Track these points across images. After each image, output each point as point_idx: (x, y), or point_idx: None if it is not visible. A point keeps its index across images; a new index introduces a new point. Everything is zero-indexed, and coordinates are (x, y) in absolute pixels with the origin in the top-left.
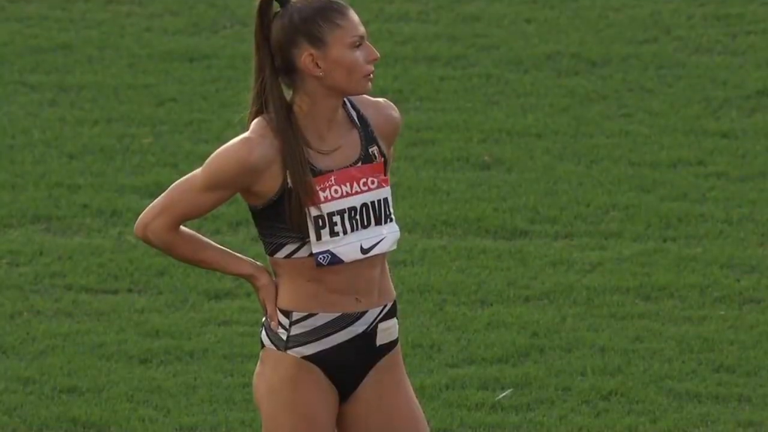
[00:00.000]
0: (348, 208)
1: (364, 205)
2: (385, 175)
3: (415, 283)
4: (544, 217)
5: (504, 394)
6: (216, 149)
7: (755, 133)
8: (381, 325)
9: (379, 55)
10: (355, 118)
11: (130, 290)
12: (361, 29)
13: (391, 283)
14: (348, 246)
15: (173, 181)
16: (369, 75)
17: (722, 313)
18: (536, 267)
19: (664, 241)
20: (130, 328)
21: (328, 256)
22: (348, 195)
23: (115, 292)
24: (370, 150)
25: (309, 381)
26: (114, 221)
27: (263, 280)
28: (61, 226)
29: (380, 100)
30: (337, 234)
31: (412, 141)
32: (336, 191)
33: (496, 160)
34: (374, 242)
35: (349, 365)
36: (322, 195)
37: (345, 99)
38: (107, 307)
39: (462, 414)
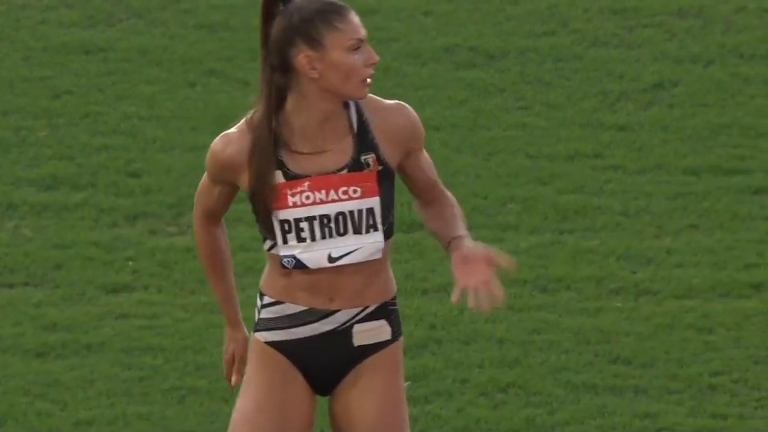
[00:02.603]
0: (320, 216)
1: (341, 213)
2: (380, 179)
3: None
4: None
5: None
6: (113, 142)
7: (651, 126)
8: (358, 327)
9: (378, 58)
10: (355, 123)
11: (26, 284)
12: (361, 32)
13: (389, 285)
14: (315, 253)
15: (70, 174)
16: (366, 79)
17: (618, 305)
18: (434, 260)
19: (561, 233)
20: (27, 321)
21: (292, 261)
22: (322, 202)
23: (11, 285)
24: (362, 158)
25: (269, 367)
26: (10, 214)
27: (227, 335)
28: None
29: (391, 104)
30: (304, 240)
31: None
32: (308, 197)
33: None
34: (345, 252)
35: (319, 362)
36: (290, 200)
37: (351, 102)
38: (3, 301)
39: None
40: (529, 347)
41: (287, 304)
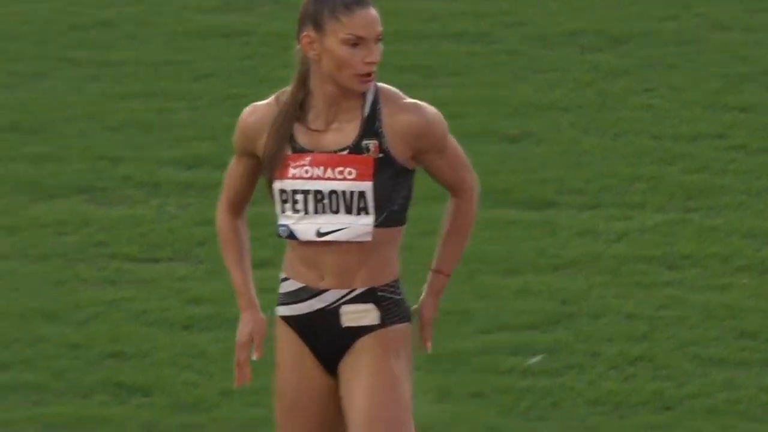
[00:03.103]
0: (314, 191)
1: (334, 192)
2: (377, 167)
3: None
4: (571, 189)
5: (535, 359)
6: None
7: None
8: (345, 308)
9: (377, 59)
10: (367, 109)
11: (171, 259)
12: (363, 30)
13: (383, 271)
14: (306, 225)
15: (212, 154)
16: (361, 75)
17: (745, 281)
18: (564, 237)
19: (687, 211)
20: (172, 295)
21: (286, 230)
22: (318, 178)
23: (157, 261)
24: (364, 143)
25: (283, 339)
26: (155, 192)
27: (244, 317)
28: (104, 197)
29: (407, 102)
30: (298, 212)
31: (441, 114)
32: (306, 171)
33: (524, 133)
34: (333, 229)
35: (318, 340)
36: (291, 171)
37: (372, 90)
38: (149, 276)
39: (494, 379)
40: (657, 322)
41: (291, 280)
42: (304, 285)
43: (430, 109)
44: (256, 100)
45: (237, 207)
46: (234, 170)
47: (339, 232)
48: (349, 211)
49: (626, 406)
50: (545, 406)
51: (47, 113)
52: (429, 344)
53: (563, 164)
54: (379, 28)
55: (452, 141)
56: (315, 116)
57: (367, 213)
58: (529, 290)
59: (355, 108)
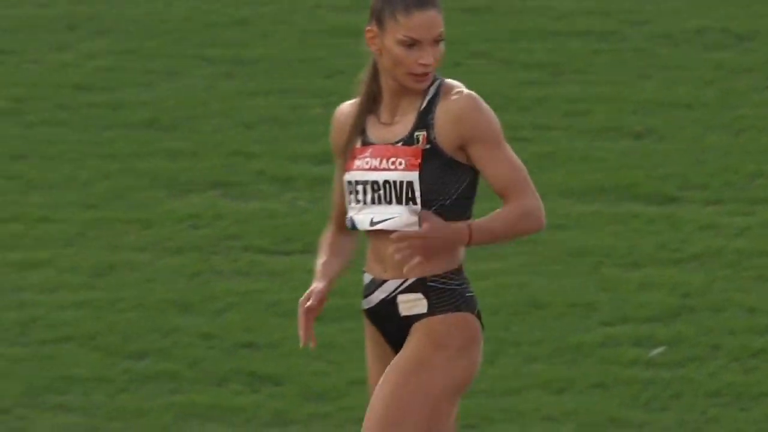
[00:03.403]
0: (371, 182)
1: (387, 182)
2: (424, 158)
3: (571, 246)
4: (693, 184)
5: (657, 351)
6: None
7: None
8: (400, 297)
9: (430, 61)
10: (425, 101)
11: (302, 251)
12: (418, 33)
13: (436, 262)
14: (364, 216)
15: None
16: (415, 75)
17: None
18: (686, 231)
19: None
20: (303, 287)
21: (350, 221)
22: (375, 169)
23: (289, 253)
24: (416, 134)
25: (366, 333)
26: (287, 187)
27: (314, 287)
28: (238, 191)
29: (460, 90)
30: (359, 202)
31: (567, 112)
32: (366, 163)
33: (648, 129)
34: (384, 218)
35: (388, 329)
36: (356, 163)
37: (435, 84)
38: (282, 268)
39: (616, 370)
40: None
41: (366, 274)
42: (372, 278)
43: (481, 101)
44: None
45: (341, 221)
46: (336, 178)
47: (389, 221)
48: (399, 201)
49: (747, 398)
50: (666, 397)
51: (183, 110)
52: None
53: (686, 160)
54: (437, 31)
55: (507, 151)
56: (383, 109)
57: (414, 203)
58: (651, 283)
59: (416, 101)
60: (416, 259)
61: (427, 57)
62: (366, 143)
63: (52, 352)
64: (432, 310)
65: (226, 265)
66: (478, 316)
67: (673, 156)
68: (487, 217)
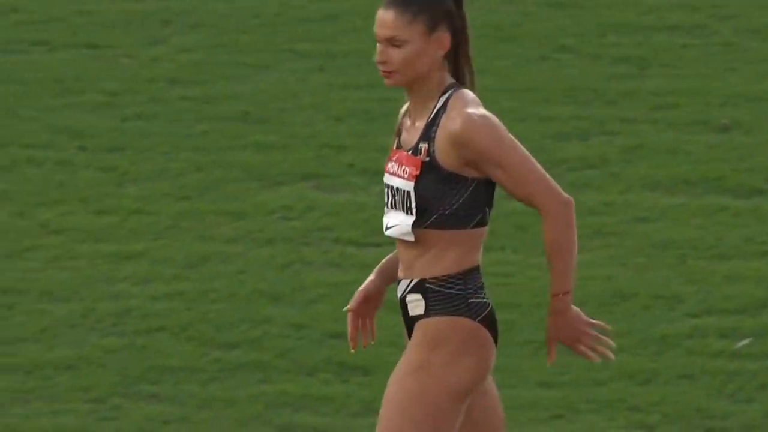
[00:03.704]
0: (391, 186)
1: (399, 189)
2: (422, 171)
3: (657, 238)
4: None
5: (743, 342)
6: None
7: None
8: (408, 297)
9: (379, 59)
10: (433, 112)
11: (391, 243)
12: (376, 30)
13: (436, 265)
14: (385, 219)
15: None
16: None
17: None
18: None
19: None
20: None
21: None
22: (394, 174)
23: (379, 245)
24: (420, 144)
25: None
26: (377, 180)
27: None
28: (328, 183)
29: (461, 110)
30: (386, 205)
31: (654, 105)
32: (391, 167)
33: (735, 123)
34: (392, 224)
35: (407, 326)
36: (387, 165)
37: (446, 94)
38: (372, 259)
39: (703, 361)
40: None
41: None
42: (398, 279)
43: (479, 120)
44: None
45: None
46: None
47: (392, 228)
48: (402, 208)
49: None
50: (752, 388)
51: (274, 103)
52: (550, 361)
53: None
54: (384, 32)
55: (519, 158)
56: (412, 113)
57: (411, 213)
58: (737, 275)
59: (429, 108)
60: (605, 357)
61: (378, 55)
62: (398, 147)
63: (145, 343)
64: (428, 312)
65: (317, 257)
66: (488, 323)
67: (759, 149)
68: (553, 275)
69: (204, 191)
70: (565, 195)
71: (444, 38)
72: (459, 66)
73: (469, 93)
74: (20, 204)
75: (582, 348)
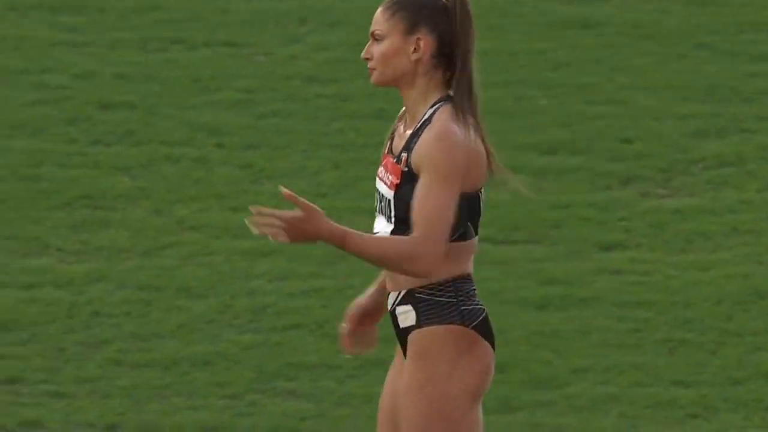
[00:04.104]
0: (378, 191)
1: (383, 195)
2: (402, 180)
3: None
4: None
5: None
6: (607, 111)
7: None
8: (398, 309)
9: (364, 55)
10: (420, 123)
11: (527, 241)
12: (372, 26)
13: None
14: (375, 224)
15: (567, 140)
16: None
17: None
18: None
19: None
20: (528, 276)
21: None
22: (381, 179)
23: (514, 242)
24: (402, 153)
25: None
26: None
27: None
28: None
29: (436, 123)
30: (375, 210)
31: None
32: (380, 171)
33: None
34: (376, 231)
35: (399, 339)
36: (379, 169)
37: (434, 106)
38: (507, 257)
39: None
40: None
41: None
42: (388, 289)
43: (447, 136)
44: (610, 89)
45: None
46: None
47: (378, 234)
48: (385, 215)
49: None
50: None
51: None
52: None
53: None
54: (371, 26)
55: (438, 191)
56: (405, 120)
57: (391, 221)
58: None
59: (417, 120)
60: (277, 238)
61: (364, 50)
62: (389, 151)
63: (281, 339)
64: (420, 323)
65: None
66: (483, 330)
67: None
68: (371, 238)
69: (341, 189)
70: (436, 252)
71: (424, 42)
72: (458, 83)
73: (454, 110)
74: (157, 201)
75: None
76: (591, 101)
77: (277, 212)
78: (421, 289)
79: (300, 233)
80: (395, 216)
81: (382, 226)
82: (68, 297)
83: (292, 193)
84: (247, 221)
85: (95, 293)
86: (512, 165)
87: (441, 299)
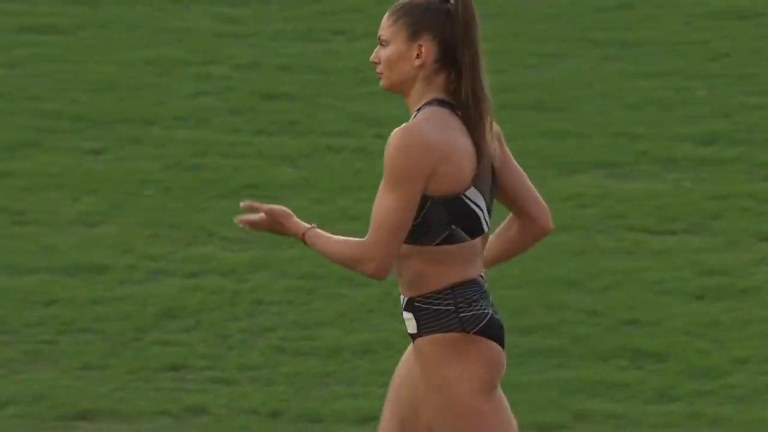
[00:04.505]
0: None
1: None
2: None
3: None
4: None
5: None
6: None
7: None
8: (404, 314)
9: (371, 58)
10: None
11: (686, 231)
12: (379, 31)
13: (419, 283)
14: None
15: (726, 131)
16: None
17: None
18: None
19: None
20: (687, 266)
21: None
22: None
23: (673, 233)
24: None
25: None
26: (671, 167)
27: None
28: (621, 171)
29: (395, 132)
30: None
31: None
32: None
33: None
34: None
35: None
36: None
37: (423, 108)
38: (665, 247)
39: None
40: None
41: None
42: None
43: (401, 140)
44: None
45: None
46: None
47: (335, 237)
48: None
49: None
50: None
51: (569, 92)
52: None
53: None
54: (380, 31)
55: (386, 193)
56: None
57: None
58: None
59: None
60: (255, 227)
61: (373, 55)
62: None
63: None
64: (421, 331)
65: (611, 244)
66: (487, 333)
67: None
68: (328, 239)
69: None
70: (379, 255)
71: (426, 48)
72: (463, 91)
73: (438, 110)
74: (320, 191)
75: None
76: (750, 92)
77: (264, 205)
78: (419, 298)
79: (274, 227)
80: None
81: None
82: (232, 285)
83: (251, 202)
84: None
85: (258, 281)
86: (671, 156)
87: (439, 308)
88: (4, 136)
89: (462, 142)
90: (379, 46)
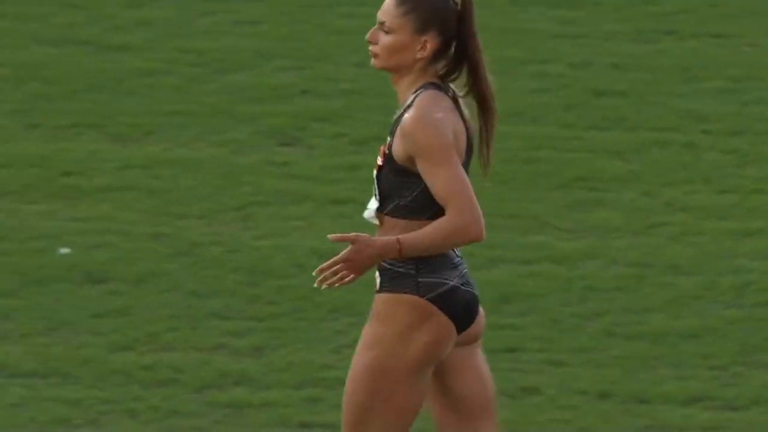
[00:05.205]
0: (376, 171)
1: (375, 176)
2: (384, 162)
3: None
4: None
5: None
6: None
7: None
8: (376, 274)
9: (367, 38)
10: (404, 108)
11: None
12: (379, 11)
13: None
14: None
15: None
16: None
17: None
18: None
19: None
20: None
21: None
22: (377, 162)
23: None
24: (388, 137)
25: None
26: None
27: None
28: None
29: (415, 107)
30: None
31: None
32: (380, 152)
33: None
34: (367, 208)
35: None
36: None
37: (416, 91)
38: None
39: None
40: None
41: None
42: None
43: (426, 119)
44: None
45: None
46: None
47: (366, 211)
48: (374, 193)
49: None
50: None
51: None
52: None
53: None
54: (380, 15)
55: (445, 168)
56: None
57: (377, 199)
58: None
59: (402, 107)
60: (347, 279)
61: (369, 34)
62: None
63: (764, 315)
64: (381, 288)
65: None
66: (443, 303)
67: None
68: (418, 232)
69: None
70: (475, 216)
71: (430, 43)
72: (477, 83)
73: (437, 93)
74: (648, 183)
75: (338, 273)
76: None
77: (331, 260)
78: (391, 261)
79: (359, 263)
80: (379, 194)
81: (371, 204)
82: (564, 272)
83: (337, 235)
84: (316, 285)
85: (589, 269)
86: None
87: (400, 270)
88: (354, 131)
89: (459, 123)
90: (378, 26)
